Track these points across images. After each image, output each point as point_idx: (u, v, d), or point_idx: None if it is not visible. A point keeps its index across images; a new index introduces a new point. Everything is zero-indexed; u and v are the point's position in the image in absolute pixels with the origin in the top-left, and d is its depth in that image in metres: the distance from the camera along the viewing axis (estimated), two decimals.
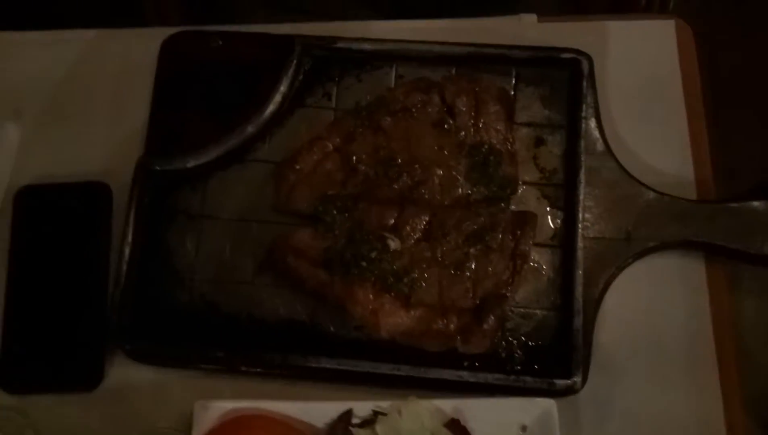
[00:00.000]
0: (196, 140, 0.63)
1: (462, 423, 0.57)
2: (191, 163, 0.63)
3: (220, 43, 0.67)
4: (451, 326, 0.55)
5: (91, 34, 0.72)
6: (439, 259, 0.57)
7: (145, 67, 0.68)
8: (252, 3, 0.86)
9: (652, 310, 0.63)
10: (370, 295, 0.57)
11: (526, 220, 0.58)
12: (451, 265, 0.57)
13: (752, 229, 0.61)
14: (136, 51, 0.70)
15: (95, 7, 0.96)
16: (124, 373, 0.62)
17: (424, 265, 0.57)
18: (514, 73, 0.64)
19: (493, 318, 0.56)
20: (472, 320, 0.56)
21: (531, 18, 0.69)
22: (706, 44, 0.69)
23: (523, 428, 0.58)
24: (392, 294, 0.57)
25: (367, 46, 0.65)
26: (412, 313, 0.56)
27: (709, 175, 0.65)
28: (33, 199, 0.66)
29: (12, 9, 0.88)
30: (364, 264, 0.57)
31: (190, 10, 0.84)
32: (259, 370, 0.60)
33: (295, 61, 0.64)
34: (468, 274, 0.57)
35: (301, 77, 0.65)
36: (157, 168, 0.62)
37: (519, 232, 0.58)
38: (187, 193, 0.63)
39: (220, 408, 0.58)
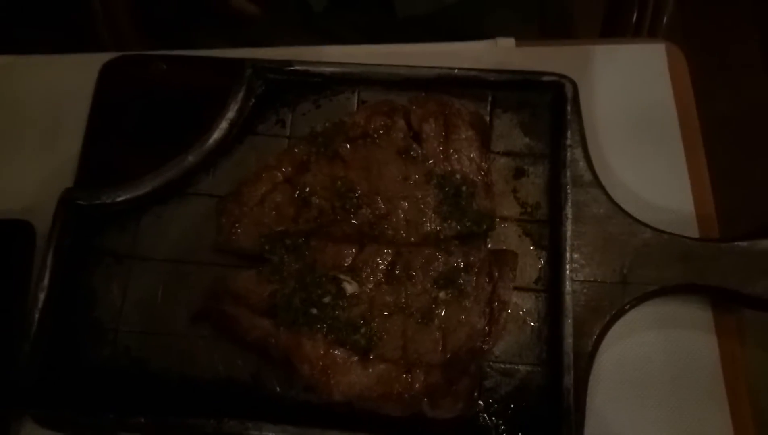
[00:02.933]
0: (131, 172, 0.55)
1: None
2: (122, 197, 0.55)
3: (164, 67, 0.61)
4: (417, 386, 0.46)
5: (27, 60, 0.66)
6: (404, 306, 0.49)
7: (84, 95, 0.62)
8: (211, 33, 0.80)
9: (654, 363, 0.54)
10: (321, 349, 0.48)
11: (505, 259, 0.50)
12: (417, 313, 0.49)
13: (765, 271, 0.53)
14: (75, 78, 0.63)
15: (50, 33, 0.91)
16: None
17: (386, 313, 0.49)
18: (489, 99, 0.58)
19: (466, 376, 0.47)
20: (442, 379, 0.47)
21: (509, 42, 0.63)
22: (700, 71, 0.64)
23: None
24: (347, 347, 0.48)
25: (326, 69, 0.58)
26: (371, 370, 0.47)
27: (711, 212, 0.58)
28: None
29: None
30: (314, 311, 0.49)
31: (148, 39, 0.78)
32: None
33: (245, 86, 0.57)
34: (437, 323, 0.48)
35: (251, 103, 0.58)
36: (83, 202, 0.54)
37: (497, 274, 0.49)
38: (117, 231, 0.55)
39: None
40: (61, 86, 0.64)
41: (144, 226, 0.55)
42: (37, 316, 0.52)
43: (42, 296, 0.52)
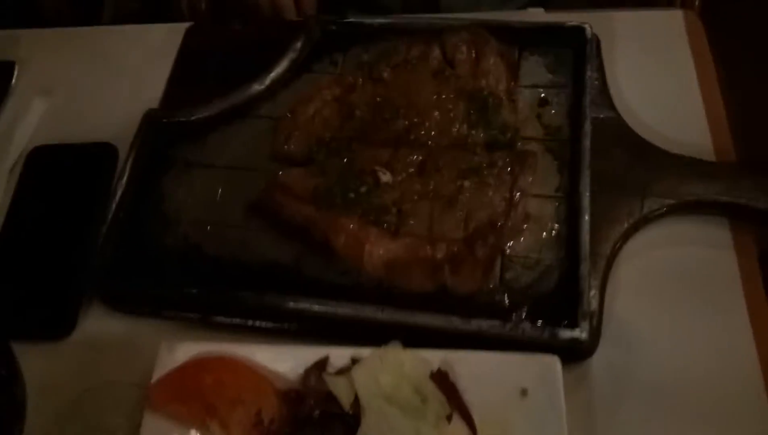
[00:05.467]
0: (205, 98, 0.65)
1: (450, 378, 0.50)
2: (194, 116, 0.63)
3: (239, 28, 0.71)
4: (440, 255, 0.51)
5: (121, 28, 0.78)
6: (431, 193, 0.54)
7: (169, 55, 0.72)
8: None
9: (673, 276, 0.56)
10: (356, 225, 0.53)
11: (525, 158, 0.55)
12: (443, 198, 0.54)
13: None
14: (164, 42, 0.74)
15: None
16: (97, 324, 0.58)
17: (415, 197, 0.54)
18: (519, 45, 0.64)
19: (485, 248, 0.51)
20: (463, 249, 0.51)
21: (538, 10, 0.71)
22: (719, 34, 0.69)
23: (523, 392, 0.50)
24: (380, 226, 0.53)
25: (375, 21, 0.67)
26: (399, 242, 0.52)
27: (728, 142, 0.61)
28: (42, 158, 0.68)
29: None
30: (352, 196, 0.55)
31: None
32: (233, 318, 0.55)
33: (305, 34, 0.67)
34: (461, 205, 0.53)
35: (309, 47, 0.67)
36: (162, 119, 0.63)
37: (518, 168, 0.54)
38: (187, 144, 0.63)
39: (187, 350, 0.53)
40: (152, 48, 0.75)
41: (210, 140, 0.63)
42: (113, 206, 0.59)
43: (119, 192, 0.60)
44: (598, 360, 0.53)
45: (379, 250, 0.52)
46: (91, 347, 0.58)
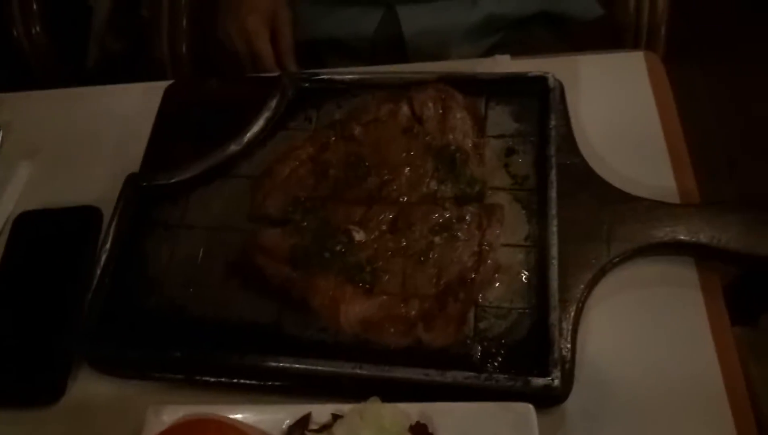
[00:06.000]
0: (183, 160, 0.67)
1: (429, 430, 0.52)
2: (174, 179, 0.65)
3: (215, 86, 0.74)
4: (413, 312, 0.52)
5: (104, 89, 0.80)
6: (404, 249, 0.56)
7: (149, 114, 0.74)
8: None
9: (643, 319, 0.58)
10: (332, 285, 0.55)
11: (493, 210, 0.57)
12: (415, 255, 0.56)
13: (745, 228, 0.58)
14: (143, 100, 0.76)
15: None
16: (85, 388, 0.60)
17: (389, 254, 0.56)
18: (485, 96, 0.67)
19: (457, 303, 0.53)
20: (435, 305, 0.53)
21: (504, 58, 0.73)
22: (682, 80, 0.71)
23: None
24: (354, 284, 0.55)
25: (346, 77, 0.69)
26: (374, 300, 0.54)
27: (692, 183, 0.63)
28: (29, 223, 0.70)
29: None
30: (327, 255, 0.56)
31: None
32: (217, 378, 0.57)
33: (280, 91, 0.69)
34: (432, 262, 0.55)
35: (284, 105, 0.69)
36: (143, 183, 0.65)
37: (486, 223, 0.56)
38: (168, 206, 0.65)
39: (174, 413, 0.55)
40: (133, 106, 0.77)
41: (191, 202, 0.65)
42: (98, 272, 0.61)
43: (104, 257, 0.62)
44: (572, 403, 0.55)
45: (354, 308, 0.53)
46: (80, 411, 0.59)
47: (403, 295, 0.54)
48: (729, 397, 0.55)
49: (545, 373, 0.52)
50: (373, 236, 0.57)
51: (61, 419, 0.59)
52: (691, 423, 0.54)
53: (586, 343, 0.57)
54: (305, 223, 0.59)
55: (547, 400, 0.53)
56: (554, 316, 0.54)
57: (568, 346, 0.55)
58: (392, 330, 0.53)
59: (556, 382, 0.52)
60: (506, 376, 0.52)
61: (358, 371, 0.53)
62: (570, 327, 0.55)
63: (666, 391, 0.55)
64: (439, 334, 0.52)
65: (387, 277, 0.55)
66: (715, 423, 0.54)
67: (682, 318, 0.58)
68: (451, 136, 0.61)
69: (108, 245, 0.62)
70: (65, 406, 0.60)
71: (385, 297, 0.54)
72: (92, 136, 0.77)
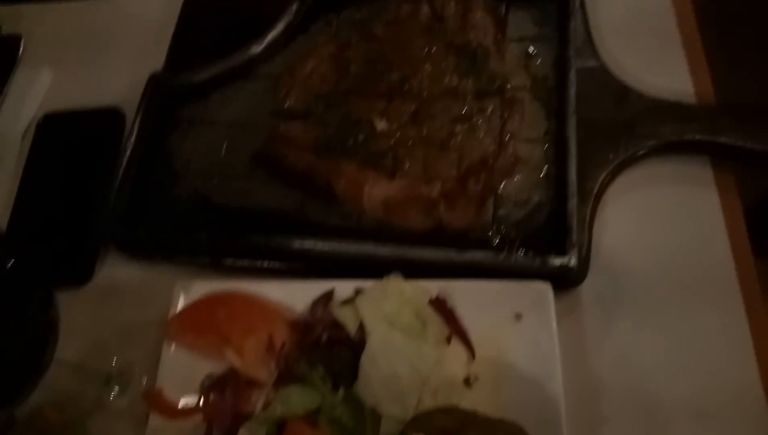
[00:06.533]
0: (205, 62, 0.67)
1: (448, 304, 0.53)
2: (197, 78, 0.66)
3: None
4: (435, 192, 0.54)
5: (123, 2, 0.81)
6: (426, 138, 0.57)
7: (172, 18, 0.75)
8: None
9: (658, 215, 0.60)
10: (355, 170, 0.56)
11: (513, 102, 0.58)
12: (437, 142, 0.57)
13: (761, 127, 0.59)
14: (165, 5, 0.76)
15: None
16: (113, 272, 0.62)
17: (411, 143, 0.57)
18: (505, 3, 0.67)
19: (478, 185, 0.54)
20: (457, 187, 0.54)
21: None
22: None
23: (518, 316, 0.53)
24: (377, 170, 0.56)
25: None
26: (397, 182, 0.55)
27: (708, 86, 0.64)
28: (53, 124, 0.71)
29: None
30: (350, 143, 0.58)
31: None
32: (243, 261, 0.58)
33: None
34: (454, 148, 0.56)
35: (305, 9, 0.69)
36: (166, 82, 0.66)
37: (506, 114, 0.57)
38: (191, 104, 0.66)
39: (201, 289, 0.56)
40: (153, 17, 0.77)
41: (214, 100, 0.66)
42: (124, 163, 0.62)
43: (129, 150, 0.63)
44: (587, 288, 0.56)
45: (377, 189, 0.55)
46: (109, 293, 0.61)
47: (425, 178, 0.55)
48: (742, 288, 0.56)
49: (562, 253, 0.53)
50: (395, 126, 0.58)
51: (89, 300, 0.61)
52: (702, 311, 0.56)
53: (602, 235, 0.59)
54: (327, 116, 0.60)
55: (564, 282, 0.54)
56: (572, 204, 0.55)
57: (585, 232, 0.56)
58: (414, 211, 0.54)
59: (573, 261, 0.53)
60: (525, 256, 0.54)
61: (380, 251, 0.55)
62: (587, 217, 0.57)
63: (679, 280, 0.57)
64: (460, 213, 0.54)
65: (409, 163, 0.56)
66: (726, 311, 0.55)
67: (697, 214, 0.60)
68: (471, 35, 0.62)
69: (133, 139, 0.64)
70: (95, 288, 0.61)
71: (407, 180, 0.55)
72: (114, 41, 0.77)
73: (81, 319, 0.58)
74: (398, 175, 0.56)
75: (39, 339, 0.42)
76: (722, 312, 0.55)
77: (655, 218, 0.60)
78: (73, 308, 0.58)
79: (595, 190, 0.58)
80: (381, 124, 0.58)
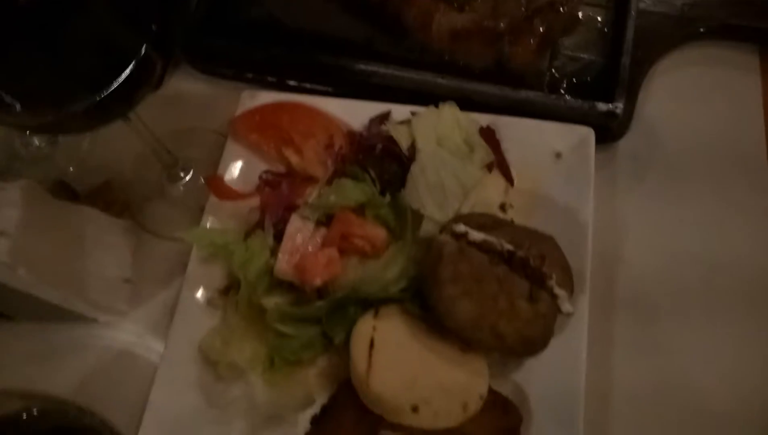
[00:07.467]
0: None
1: (496, 135, 0.57)
2: None
3: None
4: (502, 25, 0.56)
5: None
6: None
7: None
8: None
9: (700, 94, 0.62)
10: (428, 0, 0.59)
11: None
12: None
13: None
14: None
15: None
16: (183, 84, 0.66)
17: None
18: None
19: (543, 23, 0.57)
20: (523, 24, 0.57)
21: None
22: None
23: (558, 155, 0.57)
24: (449, 3, 0.59)
25: None
26: (466, 15, 0.58)
27: None
28: None
29: None
30: None
31: None
32: (308, 83, 0.62)
33: None
34: None
35: None
36: None
37: None
38: None
39: (266, 97, 0.60)
40: None
41: None
42: None
43: None
44: (624, 145, 0.60)
45: (447, 20, 0.58)
46: (176, 101, 0.65)
47: (493, 14, 0.58)
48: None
49: (610, 100, 0.57)
50: None
51: (159, 105, 0.64)
52: (733, 184, 0.59)
53: (645, 103, 0.61)
54: None
55: (606, 132, 0.58)
56: (625, 60, 0.58)
57: (632, 92, 0.59)
58: (479, 42, 0.57)
59: (619, 109, 0.57)
60: (574, 98, 0.57)
61: (439, 80, 0.58)
62: (636, 79, 0.60)
63: (711, 156, 0.60)
64: (522, 49, 0.57)
65: (478, 1, 0.59)
66: (756, 188, 0.58)
67: (738, 98, 0.62)
68: None
69: None
70: (164, 96, 0.65)
71: (476, 14, 0.58)
72: None
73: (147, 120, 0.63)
74: (468, 9, 0.59)
75: None
76: (750, 189, 0.59)
77: (698, 97, 0.62)
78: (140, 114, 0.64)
79: (646, 59, 0.61)
80: None
